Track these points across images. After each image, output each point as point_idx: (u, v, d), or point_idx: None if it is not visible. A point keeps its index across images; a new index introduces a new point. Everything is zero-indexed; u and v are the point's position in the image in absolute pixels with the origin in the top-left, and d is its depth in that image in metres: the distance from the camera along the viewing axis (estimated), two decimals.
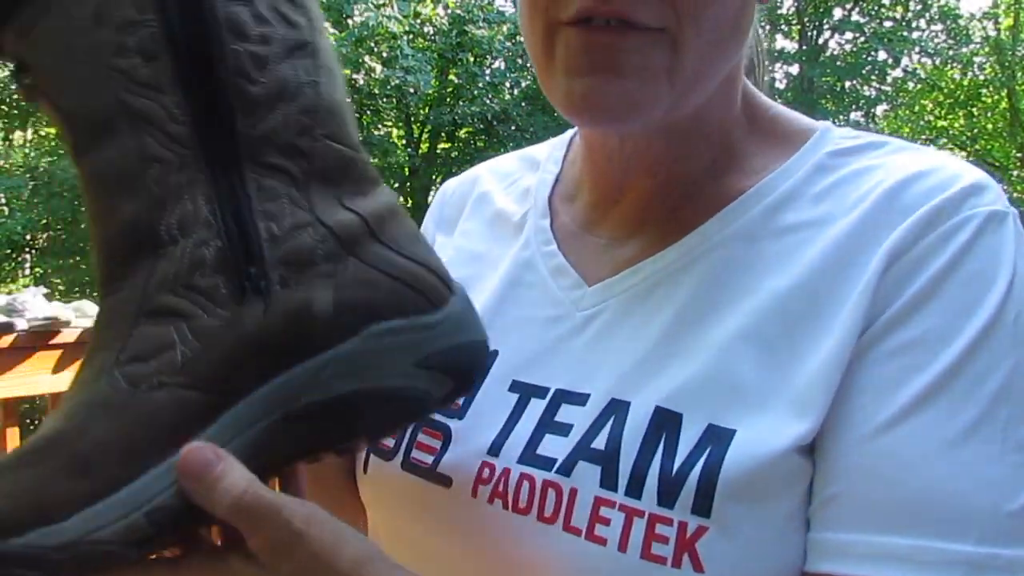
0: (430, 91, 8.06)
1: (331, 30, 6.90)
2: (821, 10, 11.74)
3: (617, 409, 0.43)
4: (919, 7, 11.50)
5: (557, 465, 0.43)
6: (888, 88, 11.94)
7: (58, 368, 1.99)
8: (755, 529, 0.39)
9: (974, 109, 12.23)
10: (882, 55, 11.43)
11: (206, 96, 0.37)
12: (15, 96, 9.36)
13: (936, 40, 11.54)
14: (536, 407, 0.46)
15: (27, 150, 10.69)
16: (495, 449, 0.45)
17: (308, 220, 0.38)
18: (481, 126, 8.76)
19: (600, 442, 0.42)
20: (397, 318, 0.38)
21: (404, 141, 10.02)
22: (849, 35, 12.08)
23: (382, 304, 0.38)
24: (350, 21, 7.21)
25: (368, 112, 8.63)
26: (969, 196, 0.42)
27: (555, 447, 0.43)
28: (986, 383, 0.39)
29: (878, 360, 0.40)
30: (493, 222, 0.57)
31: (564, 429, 0.44)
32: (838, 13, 11.89)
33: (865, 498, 0.38)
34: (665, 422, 0.41)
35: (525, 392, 0.47)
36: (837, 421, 0.39)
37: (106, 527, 0.33)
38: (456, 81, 8.58)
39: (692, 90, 0.44)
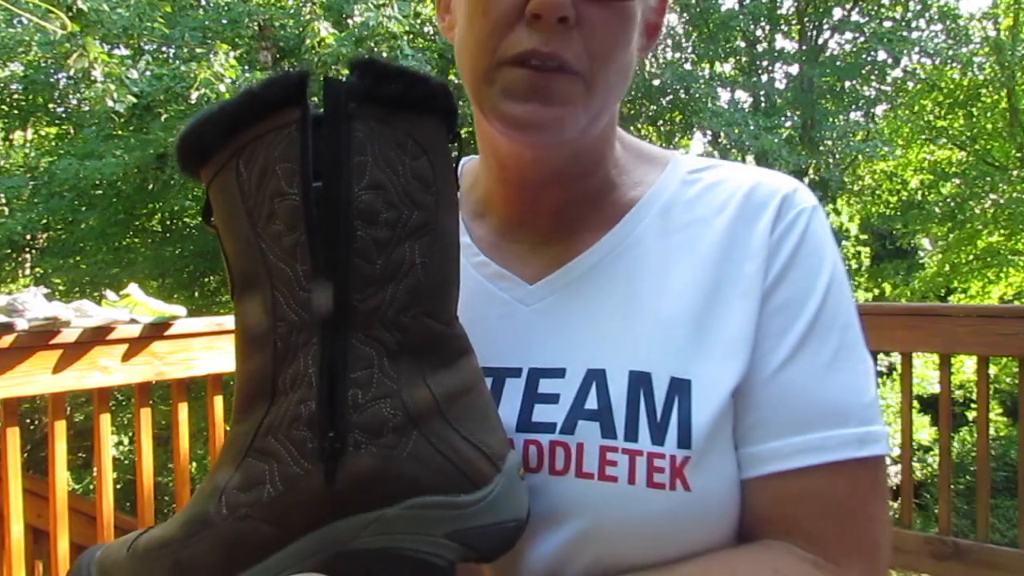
0: None
1: (331, 30, 6.89)
2: (821, 10, 11.73)
3: (596, 376, 0.54)
4: (919, 7, 11.49)
5: (559, 427, 0.53)
6: (888, 88, 11.93)
7: (58, 368, 1.99)
8: (719, 454, 0.54)
9: (974, 109, 12.22)
10: (882, 55, 11.43)
11: (329, 269, 0.44)
12: (15, 95, 9.36)
13: (936, 40, 11.53)
14: (514, 385, 0.56)
15: (27, 150, 10.69)
16: (517, 424, 0.55)
17: (390, 391, 0.45)
18: None
19: (591, 403, 0.53)
20: (438, 495, 0.45)
21: None
22: (849, 35, 12.08)
23: (427, 480, 0.45)
24: (350, 21, 7.21)
25: None
26: (795, 195, 0.60)
27: (549, 414, 0.54)
28: (837, 321, 0.57)
29: (767, 317, 0.56)
30: None
31: (552, 398, 0.54)
32: (838, 13, 11.89)
33: (779, 416, 0.54)
34: (639, 381, 0.53)
35: (498, 375, 0.56)
36: (758, 359, 0.55)
37: None
38: (456, 81, 8.58)
39: (598, 119, 0.58)
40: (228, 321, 2.38)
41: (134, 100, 6.14)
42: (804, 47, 11.95)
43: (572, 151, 0.60)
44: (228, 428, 0.49)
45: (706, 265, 0.58)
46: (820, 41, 12.07)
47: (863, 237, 15.02)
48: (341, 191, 0.44)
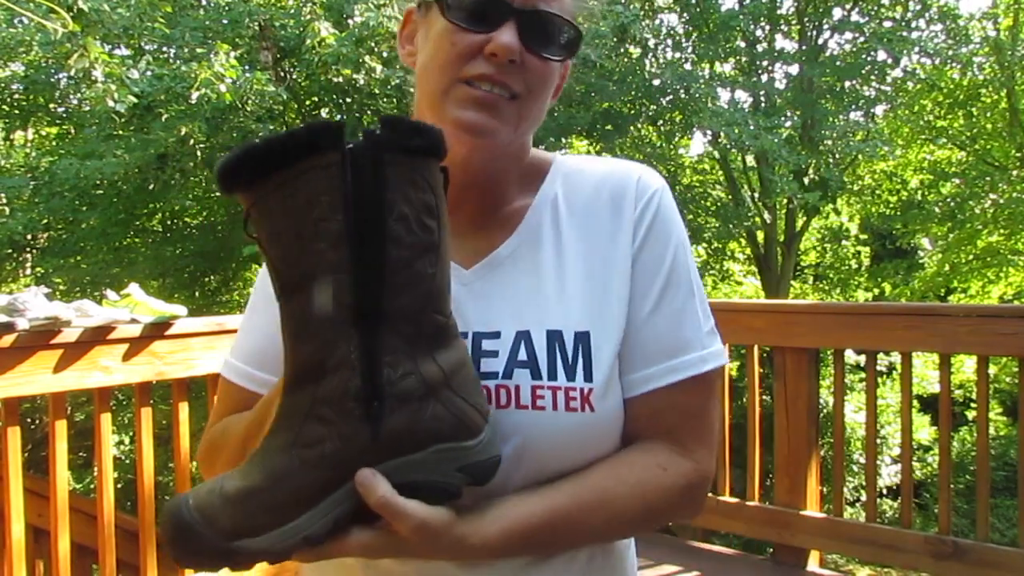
0: None
1: (331, 30, 6.89)
2: (821, 10, 11.72)
3: (523, 336, 0.73)
4: (919, 7, 11.48)
5: (501, 374, 0.72)
6: (888, 88, 11.92)
7: (59, 368, 1.99)
8: (614, 384, 0.73)
9: (973, 109, 12.22)
10: (882, 55, 11.42)
11: (365, 278, 0.60)
12: (16, 95, 9.36)
13: (936, 40, 11.51)
14: (471, 345, 0.74)
15: (28, 150, 10.69)
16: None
17: (412, 370, 0.61)
18: None
19: (522, 355, 0.72)
20: (450, 441, 0.63)
21: None
22: (849, 35, 12.06)
23: (444, 432, 0.62)
24: (350, 21, 7.21)
25: (368, 112, 8.63)
26: (648, 177, 0.80)
27: (492, 365, 0.72)
28: (682, 277, 0.77)
29: (636, 277, 0.76)
30: None
31: (492, 354, 0.73)
32: (838, 13, 11.88)
33: (648, 350, 0.74)
34: (553, 336, 0.73)
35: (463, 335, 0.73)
36: (631, 309, 0.75)
37: (285, 540, 0.60)
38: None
39: (524, 134, 0.78)
40: (228, 321, 2.39)
41: (135, 100, 6.14)
42: (804, 47, 11.94)
43: (492, 160, 0.78)
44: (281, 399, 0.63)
45: (591, 244, 0.77)
46: (820, 41, 12.06)
47: (863, 237, 15.01)
48: (379, 222, 0.60)
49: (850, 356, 7.61)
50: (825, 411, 4.79)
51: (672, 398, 0.74)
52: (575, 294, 0.75)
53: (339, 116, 9.30)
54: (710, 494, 3.06)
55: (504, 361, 0.72)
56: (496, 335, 0.74)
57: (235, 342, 0.93)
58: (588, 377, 0.71)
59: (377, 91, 7.64)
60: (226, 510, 0.60)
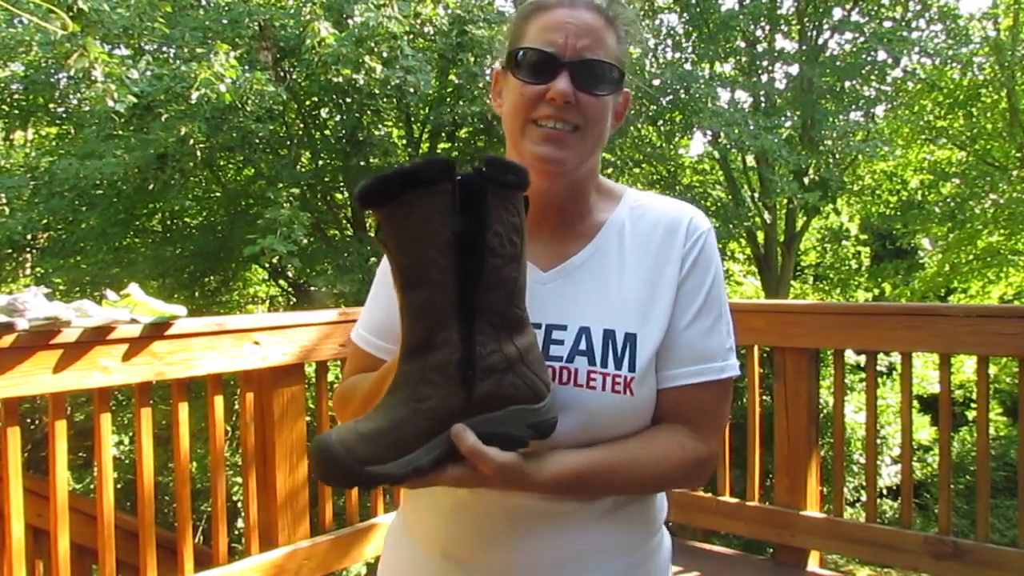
0: (430, 91, 8.03)
1: (331, 30, 6.89)
2: (821, 10, 11.72)
3: (584, 331, 0.92)
4: (919, 7, 11.47)
5: (564, 358, 0.91)
6: (888, 88, 11.91)
7: (58, 368, 1.99)
8: (650, 377, 0.92)
9: (973, 109, 12.21)
10: (882, 55, 11.41)
11: (466, 278, 0.79)
12: (15, 95, 9.36)
13: (936, 40, 11.51)
14: (544, 335, 0.93)
15: (27, 150, 10.68)
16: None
17: (496, 349, 0.81)
18: (481, 126, 8.72)
19: (582, 346, 0.91)
20: (523, 404, 0.83)
21: (404, 141, 10.00)
22: (849, 35, 12.06)
23: (519, 396, 0.82)
24: (350, 21, 7.20)
25: (368, 112, 8.62)
26: (699, 220, 1.00)
27: (558, 351, 0.92)
28: (715, 304, 0.96)
29: (679, 298, 0.95)
30: None
31: (559, 342, 0.92)
32: (838, 13, 11.87)
33: (680, 355, 0.93)
34: (608, 335, 0.92)
35: (536, 326, 0.92)
36: (671, 321, 0.94)
37: (402, 469, 0.78)
38: (456, 81, 8.57)
39: (586, 161, 0.97)
40: (228, 321, 2.38)
41: (134, 100, 6.12)
42: (804, 47, 11.93)
43: (567, 185, 0.98)
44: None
45: (647, 266, 0.96)
46: (820, 41, 12.05)
47: (863, 237, 15.01)
48: (480, 237, 0.79)
49: (850, 356, 7.61)
50: (825, 411, 4.79)
51: (694, 394, 0.93)
52: (629, 302, 0.94)
53: (339, 116, 9.30)
54: (710, 494, 3.06)
55: (568, 349, 0.92)
56: (564, 327, 0.93)
57: (362, 316, 1.09)
58: (632, 368, 0.91)
59: (377, 91, 7.64)
60: (361, 444, 0.78)
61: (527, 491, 0.87)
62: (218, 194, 10.28)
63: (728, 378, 0.95)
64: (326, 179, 9.39)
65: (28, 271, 10.40)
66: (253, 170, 9.54)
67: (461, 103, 8.33)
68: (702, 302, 0.95)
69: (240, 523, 6.44)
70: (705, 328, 0.95)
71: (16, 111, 9.59)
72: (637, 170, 12.87)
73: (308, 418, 2.76)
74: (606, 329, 0.92)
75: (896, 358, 6.31)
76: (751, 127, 9.38)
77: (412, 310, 0.81)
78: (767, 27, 12.10)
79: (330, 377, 3.08)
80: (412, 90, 7.26)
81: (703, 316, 0.95)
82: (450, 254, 0.79)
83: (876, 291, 13.90)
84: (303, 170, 9.33)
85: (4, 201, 8.81)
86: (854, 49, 11.69)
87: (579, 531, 0.93)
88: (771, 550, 2.96)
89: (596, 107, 0.94)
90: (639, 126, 11.25)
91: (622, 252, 0.97)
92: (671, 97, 10.17)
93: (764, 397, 3.65)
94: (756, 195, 12.06)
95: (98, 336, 2.05)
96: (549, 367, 0.89)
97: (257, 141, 8.52)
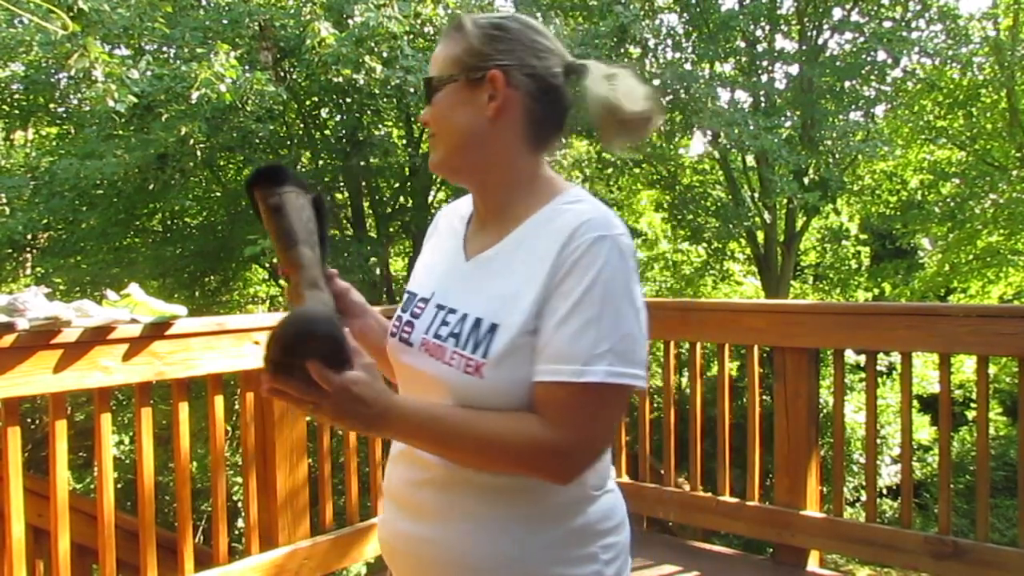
0: None
1: (331, 30, 6.88)
2: (821, 10, 11.71)
3: (464, 317, 1.02)
4: (919, 7, 11.47)
5: (441, 338, 1.03)
6: (888, 88, 11.91)
7: (59, 368, 1.99)
8: (504, 365, 0.97)
9: (973, 109, 12.21)
10: (882, 55, 11.41)
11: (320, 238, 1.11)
12: (16, 95, 9.36)
13: (936, 40, 11.50)
14: (431, 307, 1.08)
15: (28, 150, 10.68)
16: (427, 331, 1.06)
17: (325, 287, 1.09)
18: None
19: (455, 330, 1.02)
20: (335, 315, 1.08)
21: (404, 141, 10.00)
22: (849, 35, 12.05)
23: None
24: (350, 21, 7.20)
25: (368, 112, 8.62)
26: (596, 226, 0.97)
27: (442, 330, 1.04)
28: (590, 308, 0.94)
29: (554, 299, 0.96)
30: (449, 232, 1.19)
31: (446, 324, 1.04)
32: (838, 13, 11.86)
33: (547, 354, 0.96)
34: (477, 322, 1.00)
35: (426, 299, 1.11)
36: (543, 321, 0.97)
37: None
38: None
39: (453, 158, 1.08)
40: (228, 321, 2.39)
41: (135, 100, 6.13)
42: (804, 47, 11.93)
43: (478, 183, 1.10)
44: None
45: (530, 265, 1.00)
46: (820, 41, 12.05)
47: (863, 237, 15.00)
48: (322, 213, 1.14)
49: (850, 356, 7.61)
50: (825, 411, 4.79)
51: (552, 391, 0.95)
52: (505, 296, 1.00)
53: (339, 116, 9.30)
54: (709, 494, 3.06)
55: (447, 330, 1.03)
56: (454, 311, 1.04)
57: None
58: (485, 355, 0.97)
59: (377, 91, 7.64)
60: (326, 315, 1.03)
61: (391, 420, 0.95)
62: (218, 194, 10.28)
63: (591, 383, 0.92)
64: (326, 179, 9.39)
65: (28, 271, 10.40)
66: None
67: None
68: (573, 305, 0.94)
69: (240, 523, 6.43)
70: (572, 330, 0.93)
71: (16, 111, 9.59)
72: (637, 170, 12.87)
73: (308, 418, 2.76)
74: (478, 317, 1.00)
75: (896, 358, 6.31)
76: (751, 127, 9.38)
77: (304, 257, 1.07)
78: (767, 27, 12.10)
79: None
80: (412, 90, 7.26)
81: (573, 318, 0.93)
82: (314, 223, 1.09)
83: (876, 291, 13.90)
84: (303, 170, 9.33)
85: (4, 201, 8.81)
86: (854, 49, 11.69)
87: (474, 503, 1.01)
88: (771, 550, 2.96)
89: (434, 114, 1.07)
90: None
91: (524, 249, 1.01)
92: (671, 97, 10.17)
93: (764, 397, 3.66)
94: (756, 195, 12.06)
95: (98, 336, 2.05)
96: (428, 341, 1.05)
97: (257, 141, 8.52)
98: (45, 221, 8.54)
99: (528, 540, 0.99)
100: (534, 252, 0.99)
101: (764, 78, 12.02)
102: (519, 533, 0.99)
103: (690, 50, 11.64)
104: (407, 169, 9.65)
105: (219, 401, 2.39)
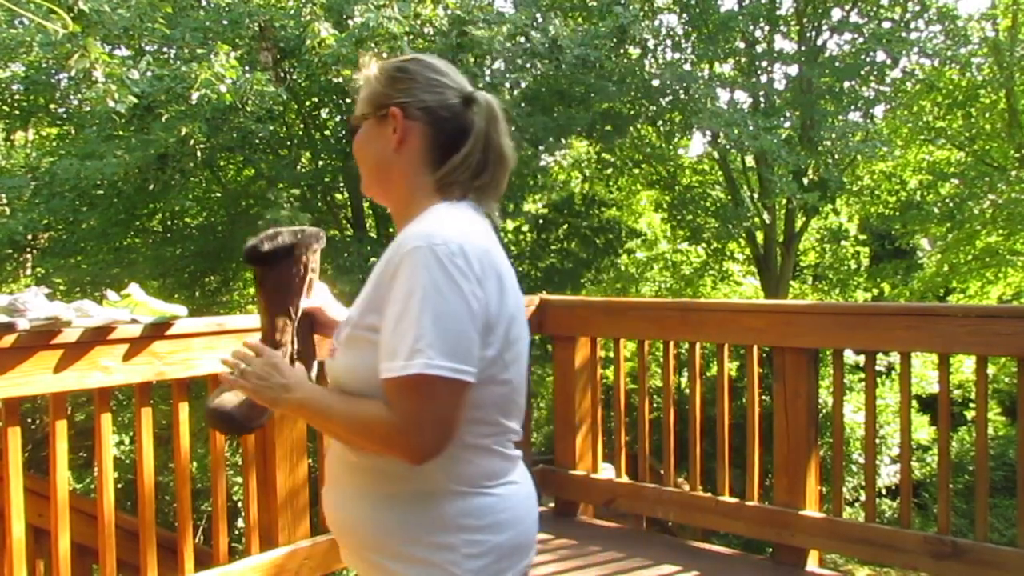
0: None
1: (331, 31, 6.89)
2: (820, 11, 11.72)
3: (344, 327, 1.22)
4: (918, 8, 11.48)
5: (339, 342, 1.22)
6: (887, 89, 11.92)
7: (59, 368, 1.99)
8: (347, 354, 1.19)
9: (972, 109, 12.22)
10: (881, 56, 11.42)
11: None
12: (16, 96, 9.35)
13: (935, 41, 11.51)
14: (344, 330, 1.22)
15: (28, 150, 10.68)
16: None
17: (291, 341, 1.44)
18: None
19: (342, 337, 1.21)
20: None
21: None
22: (848, 36, 12.06)
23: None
24: (350, 21, 7.20)
25: None
26: (411, 238, 1.10)
27: (339, 331, 1.24)
28: (408, 311, 1.06)
29: (387, 304, 1.10)
30: None
31: (340, 335, 1.23)
32: (837, 14, 11.87)
33: (386, 353, 1.08)
34: (347, 320, 1.22)
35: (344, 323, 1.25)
36: (382, 325, 1.10)
37: (263, 417, 1.43)
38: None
39: (374, 186, 1.28)
40: (228, 321, 2.39)
41: (135, 100, 6.13)
42: (803, 48, 11.94)
43: (390, 206, 1.28)
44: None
45: (374, 274, 1.16)
46: (819, 42, 12.06)
47: (862, 237, 15.01)
48: (295, 272, 1.39)
49: (849, 356, 7.62)
50: (824, 411, 4.79)
51: (387, 384, 1.08)
52: (357, 303, 1.19)
53: (339, 116, 9.30)
54: (709, 494, 3.07)
55: (339, 330, 1.24)
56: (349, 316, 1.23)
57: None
58: (337, 342, 1.22)
59: None
60: (245, 408, 1.37)
61: (290, 397, 1.18)
62: (218, 194, 10.28)
63: (411, 376, 1.05)
64: (326, 179, 9.39)
65: (29, 271, 10.40)
66: (253, 170, 9.54)
67: None
68: (397, 309, 1.07)
69: (240, 523, 6.43)
70: (397, 331, 1.07)
71: (17, 111, 9.59)
72: (637, 170, 12.88)
73: None
74: (348, 316, 1.22)
75: (895, 358, 6.33)
76: (750, 127, 9.39)
77: (275, 325, 1.34)
78: (766, 28, 12.11)
79: None
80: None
81: (397, 321, 1.07)
82: (295, 275, 1.35)
83: (875, 291, 13.91)
84: (303, 170, 9.33)
85: (5, 201, 8.81)
86: (853, 50, 11.70)
87: (348, 476, 1.21)
88: (770, 550, 2.96)
89: (355, 147, 1.27)
90: (639, 126, 11.26)
91: (380, 262, 1.17)
92: (671, 97, 10.18)
93: (763, 397, 3.67)
94: (755, 195, 12.07)
95: (99, 336, 2.05)
96: (329, 340, 1.31)
97: (257, 141, 8.52)
98: (45, 221, 8.54)
99: (386, 516, 1.15)
100: (380, 263, 1.17)
101: (763, 78, 12.04)
102: (380, 508, 1.16)
103: (690, 50, 11.65)
104: None
105: None
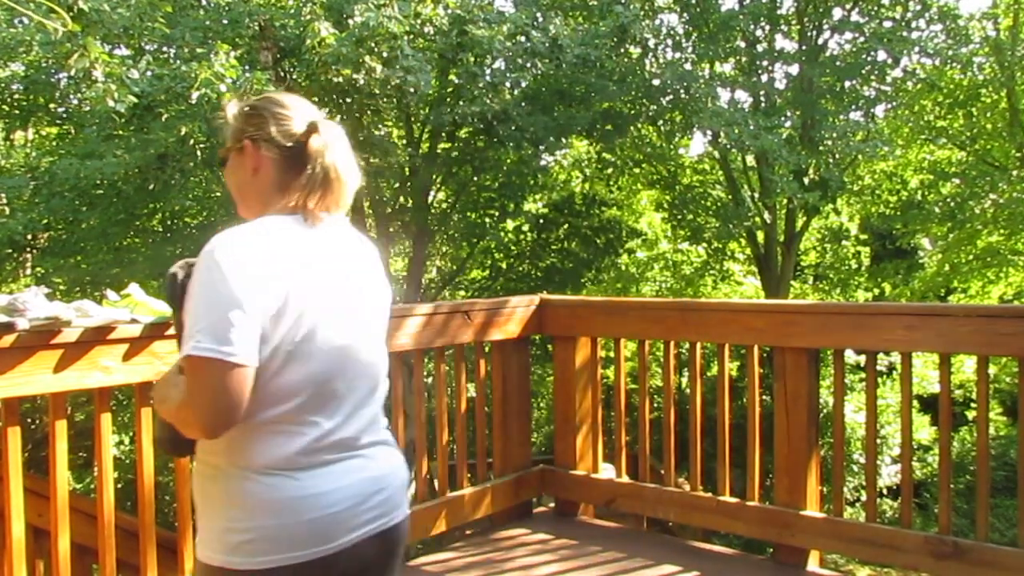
0: (430, 91, 8.03)
1: (331, 30, 6.88)
2: (821, 10, 11.71)
3: None
4: (919, 7, 11.46)
5: None
6: (888, 88, 11.91)
7: (59, 368, 1.99)
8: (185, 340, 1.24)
9: (973, 109, 12.21)
10: (882, 55, 11.40)
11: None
12: (16, 95, 9.35)
13: (936, 40, 11.49)
14: None
15: (28, 150, 10.68)
16: None
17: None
18: (481, 126, 8.72)
19: None
20: None
21: (404, 141, 10.00)
22: (849, 35, 12.05)
23: None
24: (350, 21, 7.20)
25: (368, 112, 8.62)
26: (208, 246, 1.24)
27: None
28: (193, 300, 1.22)
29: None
30: None
31: None
32: (838, 13, 11.86)
33: (183, 337, 1.23)
34: None
35: None
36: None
37: None
38: (456, 81, 8.57)
39: (240, 206, 1.44)
40: None
41: (135, 100, 6.12)
42: (804, 47, 11.93)
43: None
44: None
45: None
46: (820, 41, 12.04)
47: (863, 237, 15.01)
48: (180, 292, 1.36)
49: (850, 356, 7.61)
50: (825, 411, 4.79)
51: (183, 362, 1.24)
52: None
53: (339, 116, 9.29)
54: (709, 494, 3.06)
55: None
56: None
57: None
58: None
59: (377, 91, 7.63)
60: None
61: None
62: (218, 194, 10.27)
63: (185, 356, 1.20)
64: None
65: (28, 271, 10.40)
66: None
67: (461, 103, 8.34)
68: (189, 302, 1.23)
69: None
70: (186, 321, 1.22)
71: (16, 111, 9.59)
72: (637, 170, 12.88)
73: None
74: None
75: (896, 358, 6.32)
76: (751, 127, 9.38)
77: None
78: (767, 27, 12.10)
79: None
80: (412, 90, 7.26)
81: (188, 312, 1.22)
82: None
83: (876, 291, 13.91)
84: None
85: (5, 201, 8.81)
86: (854, 49, 11.69)
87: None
88: (771, 550, 2.96)
89: (225, 175, 1.46)
90: (639, 126, 11.26)
91: None
92: (671, 97, 10.17)
93: (764, 397, 3.66)
94: (756, 195, 12.06)
95: (98, 336, 2.05)
96: None
97: None
98: (45, 221, 8.54)
99: (208, 486, 1.30)
100: None
101: (764, 78, 12.03)
102: (208, 481, 1.30)
103: (690, 50, 11.64)
104: (407, 169, 9.65)
105: None
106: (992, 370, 9.21)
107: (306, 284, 1.25)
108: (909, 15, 11.55)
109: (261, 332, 1.20)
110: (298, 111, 1.39)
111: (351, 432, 1.31)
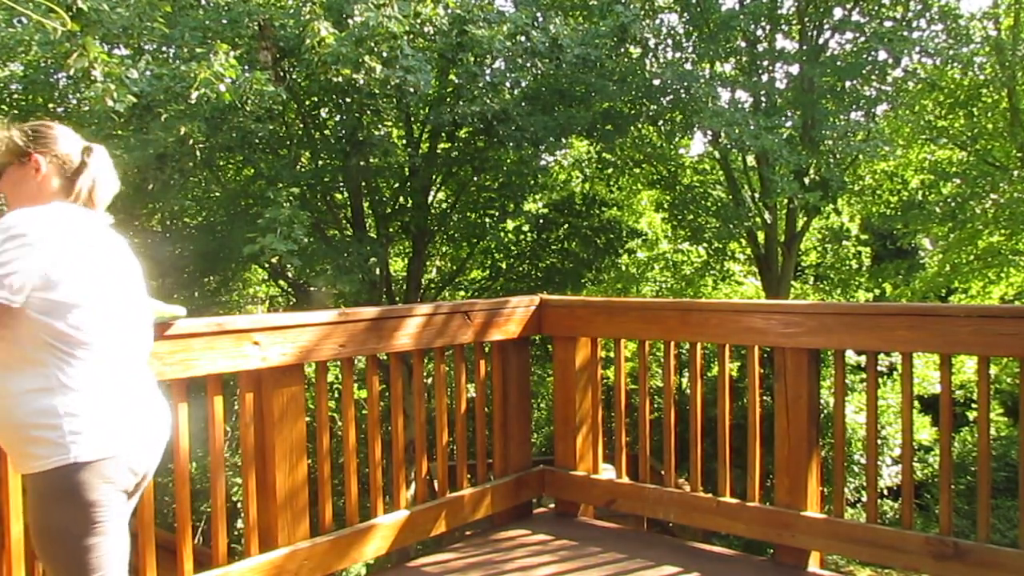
0: (430, 91, 8.03)
1: (331, 30, 6.88)
2: (821, 10, 11.71)
3: None
4: (919, 7, 11.46)
5: None
6: (888, 88, 11.90)
7: None
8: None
9: (974, 109, 12.20)
10: (882, 55, 11.40)
11: None
12: (15, 95, 9.35)
13: (936, 40, 11.49)
14: None
15: None
16: None
17: None
18: (481, 126, 8.71)
19: None
20: None
21: (404, 141, 9.99)
22: (849, 35, 12.04)
23: None
24: (350, 21, 7.19)
25: (368, 112, 8.61)
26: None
27: None
28: None
29: None
30: None
31: None
32: (838, 13, 11.85)
33: None
34: None
35: None
36: None
37: None
38: (456, 81, 8.56)
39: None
40: (228, 321, 2.38)
41: (134, 100, 6.12)
42: (804, 47, 11.92)
43: None
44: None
45: None
46: (820, 41, 12.04)
47: (864, 237, 15.00)
48: None
49: (850, 356, 7.61)
50: (826, 412, 4.78)
51: None
52: None
53: (339, 116, 9.29)
54: (710, 495, 3.06)
55: None
56: None
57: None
58: None
59: (377, 91, 7.63)
60: None
61: None
62: (218, 194, 10.27)
63: None
64: (326, 179, 9.38)
65: None
66: (253, 170, 9.53)
67: (461, 103, 8.32)
68: None
69: (240, 523, 6.42)
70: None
71: (16, 111, 9.58)
72: (638, 170, 12.87)
73: (308, 418, 2.75)
74: None
75: (897, 358, 6.31)
76: (751, 127, 9.37)
77: None
78: (767, 27, 12.09)
79: (329, 377, 3.07)
80: (412, 90, 7.25)
81: None
82: None
83: (877, 291, 13.90)
84: (303, 170, 9.32)
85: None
86: (855, 49, 11.68)
87: None
88: (771, 551, 2.95)
89: (1, 186, 1.78)
90: (639, 126, 11.25)
91: None
92: (671, 97, 10.17)
93: (764, 397, 3.65)
94: (756, 195, 12.06)
95: None
96: None
97: (257, 141, 8.51)
98: None
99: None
100: None
101: (764, 78, 12.02)
102: None
103: (690, 50, 11.64)
104: (407, 169, 9.64)
105: (219, 401, 2.39)
106: (993, 370, 9.20)
107: (67, 250, 1.64)
108: (910, 15, 11.54)
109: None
110: (74, 136, 1.86)
111: None
